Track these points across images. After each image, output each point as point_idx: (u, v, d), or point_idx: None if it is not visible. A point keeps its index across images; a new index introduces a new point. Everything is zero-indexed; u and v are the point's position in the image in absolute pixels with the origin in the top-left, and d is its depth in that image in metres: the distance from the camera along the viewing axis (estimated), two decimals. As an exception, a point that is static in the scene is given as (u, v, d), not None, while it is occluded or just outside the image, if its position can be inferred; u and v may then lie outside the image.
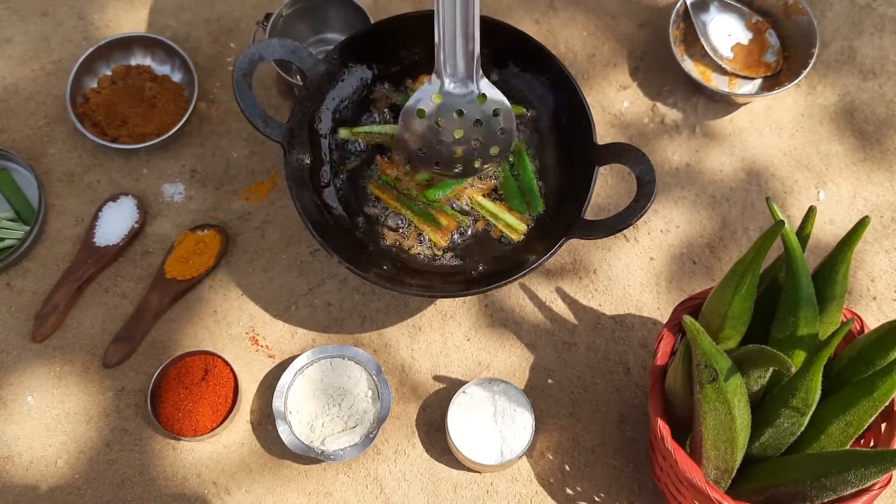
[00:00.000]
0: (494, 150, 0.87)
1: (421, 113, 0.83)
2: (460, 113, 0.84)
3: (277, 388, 0.90)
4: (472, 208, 0.93)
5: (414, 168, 0.92)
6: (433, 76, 0.82)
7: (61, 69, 1.08)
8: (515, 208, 0.93)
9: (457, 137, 0.86)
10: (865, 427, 0.73)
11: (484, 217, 0.93)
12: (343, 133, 0.94)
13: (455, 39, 0.79)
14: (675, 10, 1.08)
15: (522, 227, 0.92)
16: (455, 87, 0.82)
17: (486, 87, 0.83)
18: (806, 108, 1.09)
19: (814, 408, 0.73)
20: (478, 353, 0.96)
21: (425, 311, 0.98)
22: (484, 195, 0.94)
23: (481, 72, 0.82)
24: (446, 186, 0.92)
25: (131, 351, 0.94)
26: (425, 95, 0.83)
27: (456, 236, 0.93)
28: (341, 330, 0.97)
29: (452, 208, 0.93)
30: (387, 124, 0.94)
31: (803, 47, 1.07)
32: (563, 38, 1.12)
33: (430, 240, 0.92)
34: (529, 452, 0.92)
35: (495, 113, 0.84)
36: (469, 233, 0.93)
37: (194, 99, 1.03)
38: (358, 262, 0.87)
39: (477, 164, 0.88)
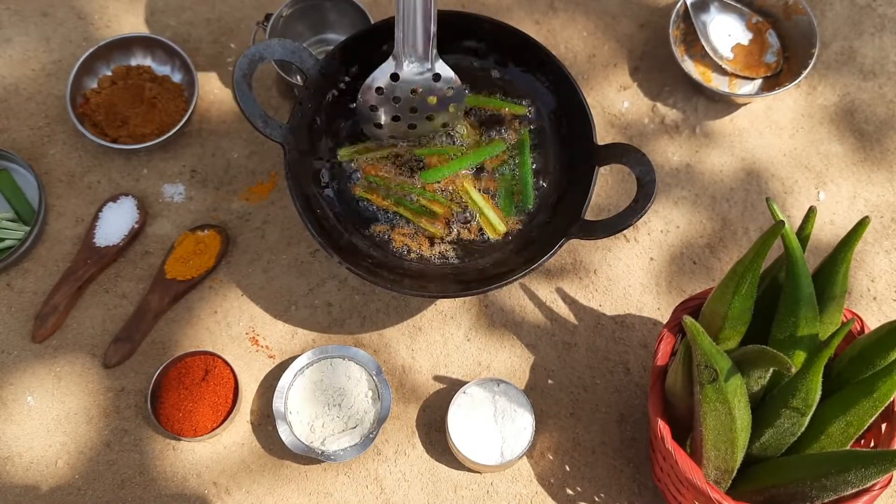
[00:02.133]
0: (443, 123, 0.93)
1: (379, 90, 0.88)
2: (415, 91, 0.88)
3: (277, 389, 0.90)
4: (462, 199, 0.93)
5: (370, 139, 0.96)
6: (392, 56, 0.86)
7: (61, 69, 1.08)
8: (501, 207, 0.93)
9: (411, 113, 0.90)
10: (866, 427, 0.73)
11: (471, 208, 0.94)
12: (343, 153, 0.94)
13: (415, 20, 0.82)
14: (675, 10, 1.08)
15: (502, 228, 0.92)
16: (412, 66, 0.86)
17: (441, 66, 0.87)
18: (806, 109, 1.09)
19: (814, 408, 0.72)
20: (478, 354, 0.96)
21: (425, 312, 0.98)
22: (475, 186, 0.94)
23: (436, 51, 0.86)
24: (441, 171, 0.93)
25: (131, 351, 0.94)
26: (383, 73, 0.87)
27: (454, 229, 0.93)
28: (341, 330, 0.97)
29: (444, 197, 0.93)
30: (383, 148, 0.95)
31: (803, 47, 1.07)
32: (563, 38, 1.12)
33: (429, 233, 0.92)
34: (529, 453, 0.92)
35: (447, 90, 0.89)
36: (463, 219, 0.93)
37: (194, 99, 1.03)
38: (358, 262, 0.87)
39: (427, 137, 0.95)
